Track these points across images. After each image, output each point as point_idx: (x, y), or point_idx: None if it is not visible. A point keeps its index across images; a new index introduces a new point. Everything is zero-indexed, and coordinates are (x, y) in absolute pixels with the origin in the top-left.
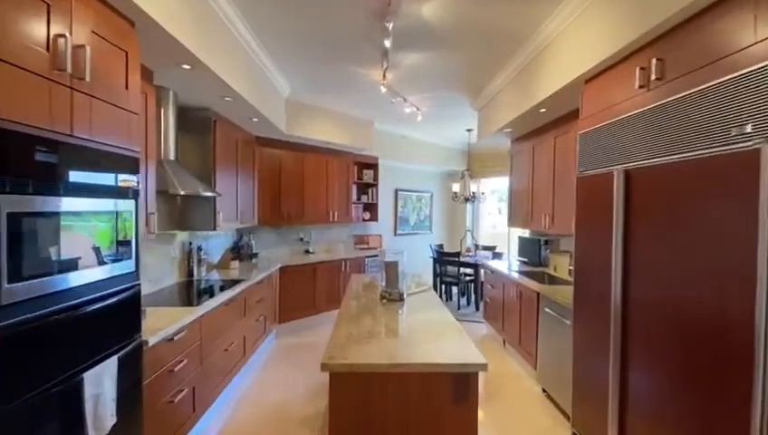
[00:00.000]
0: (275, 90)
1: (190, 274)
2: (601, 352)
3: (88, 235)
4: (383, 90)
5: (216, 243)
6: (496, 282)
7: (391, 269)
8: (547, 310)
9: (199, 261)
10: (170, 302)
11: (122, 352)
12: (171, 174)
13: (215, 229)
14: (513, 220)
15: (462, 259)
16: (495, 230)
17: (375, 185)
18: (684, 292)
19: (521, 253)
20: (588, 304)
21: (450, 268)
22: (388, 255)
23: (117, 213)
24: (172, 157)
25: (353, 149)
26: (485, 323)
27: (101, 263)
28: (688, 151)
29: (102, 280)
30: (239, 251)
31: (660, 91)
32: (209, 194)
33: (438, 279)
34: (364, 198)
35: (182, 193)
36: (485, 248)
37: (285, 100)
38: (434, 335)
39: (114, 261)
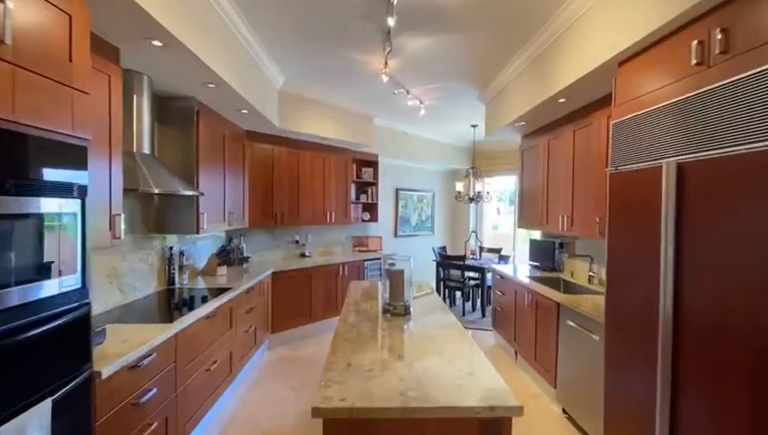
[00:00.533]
0: (267, 79)
1: (171, 281)
2: (645, 370)
3: (9, 244)
4: (385, 79)
5: (202, 246)
6: (507, 288)
7: (396, 279)
8: (569, 323)
9: (181, 267)
10: (142, 316)
11: (60, 392)
12: (145, 170)
13: (197, 232)
14: (523, 221)
15: (467, 263)
16: (497, 231)
17: (375, 184)
18: (759, 302)
19: (532, 256)
20: (625, 314)
21: (454, 272)
22: (392, 262)
23: (56, 215)
24: (147, 150)
25: (352, 145)
26: (494, 332)
27: (30, 280)
28: (765, 140)
29: (31, 302)
30: (228, 255)
31: (725, 68)
32: (190, 193)
33: (442, 284)
34: (363, 198)
35: (156, 191)
36: (490, 251)
37: (278, 91)
38: (450, 362)
39: (50, 277)
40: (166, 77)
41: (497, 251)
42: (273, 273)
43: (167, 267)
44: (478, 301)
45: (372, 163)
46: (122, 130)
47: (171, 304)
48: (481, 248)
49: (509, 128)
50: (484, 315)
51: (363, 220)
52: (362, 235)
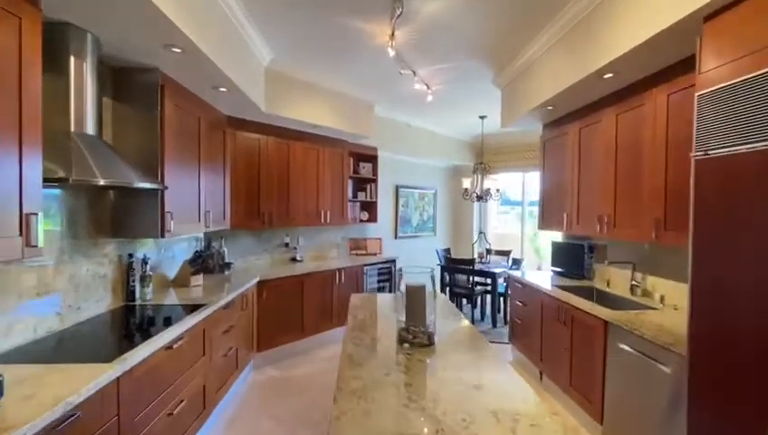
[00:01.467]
0: (251, 54)
1: (131, 297)
2: (759, 424)
3: None
4: (391, 53)
5: (178, 251)
6: (530, 299)
7: (416, 297)
8: (623, 347)
9: (143, 278)
10: (77, 350)
11: None
12: (87, 155)
13: (162, 235)
14: (545, 222)
15: (477, 267)
16: (497, 232)
17: (374, 180)
18: None
19: (555, 261)
20: (725, 345)
21: (460, 277)
22: (408, 275)
23: None
24: (91, 131)
25: (349, 136)
26: (510, 346)
27: None
28: None
29: None
30: (204, 262)
31: None
32: (148, 186)
33: (447, 290)
34: (361, 196)
35: (102, 183)
36: (499, 253)
37: (265, 69)
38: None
39: None
40: (116, 35)
41: (506, 253)
42: (260, 281)
43: (125, 279)
44: (487, 309)
45: (371, 157)
46: (45, 101)
47: (123, 329)
48: (488, 251)
49: (529, 116)
50: (495, 325)
51: (361, 220)
52: (360, 236)
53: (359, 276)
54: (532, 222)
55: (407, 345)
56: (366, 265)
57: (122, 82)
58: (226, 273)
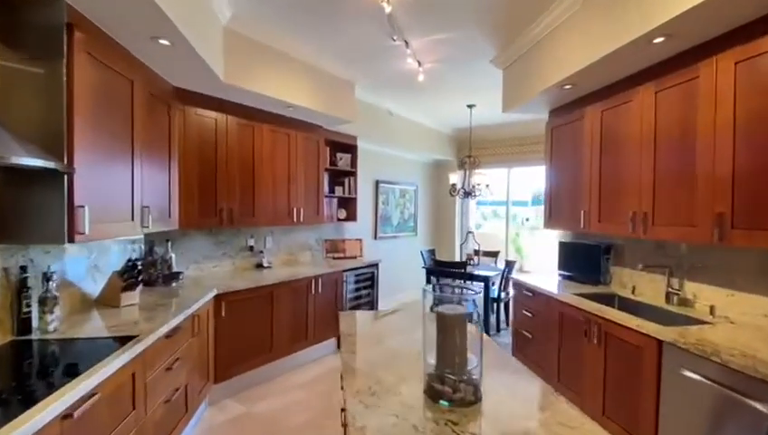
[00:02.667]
0: (206, 4)
1: (24, 327)
2: None
3: None
4: (387, 8)
5: (115, 254)
6: (542, 309)
7: (453, 332)
8: (689, 374)
9: (44, 301)
10: None
11: None
12: None
13: (71, 240)
14: (553, 220)
15: (469, 270)
16: (481, 231)
17: (353, 173)
18: None
19: (564, 264)
20: None
21: (450, 282)
22: (441, 298)
23: None
24: None
25: (327, 121)
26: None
27: None
28: None
29: None
30: (140, 273)
31: None
32: (40, 164)
33: None
34: (339, 191)
35: None
36: (486, 254)
37: (225, 29)
38: None
39: None
40: None
41: (494, 254)
42: (218, 295)
43: (16, 302)
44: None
45: (350, 147)
46: None
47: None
48: (477, 252)
49: (539, 99)
50: (488, 333)
51: (339, 219)
52: (337, 237)
53: (338, 284)
54: (516, 221)
55: (444, 404)
56: (346, 270)
57: (14, 22)
58: (174, 285)
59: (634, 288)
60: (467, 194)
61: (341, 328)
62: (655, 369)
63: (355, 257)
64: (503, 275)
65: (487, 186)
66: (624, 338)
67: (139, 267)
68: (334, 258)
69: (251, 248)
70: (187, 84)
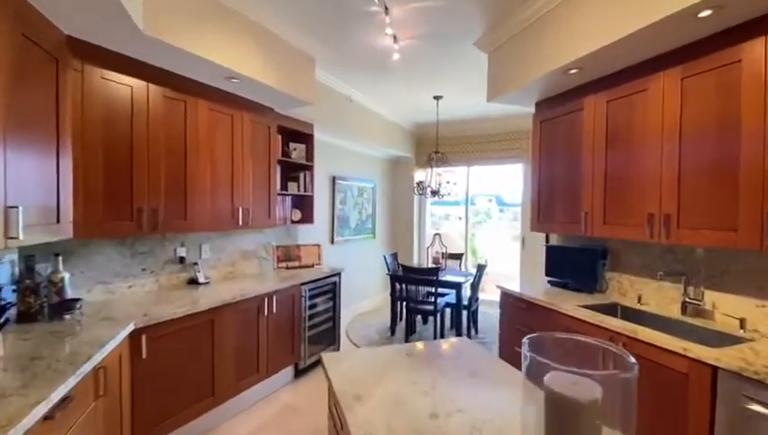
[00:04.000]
0: None
1: None
2: None
3: None
4: None
5: None
6: (540, 324)
7: (574, 426)
8: (759, 409)
9: None
10: None
11: None
12: None
13: None
14: (542, 222)
15: (442, 277)
16: (437, 232)
17: (309, 167)
18: None
19: (553, 270)
20: None
21: (419, 290)
22: (561, 376)
23: None
24: None
25: (280, 101)
26: None
27: None
28: None
29: None
30: (7, 308)
31: None
32: None
33: (400, 306)
34: (293, 188)
35: None
36: (451, 257)
37: None
38: None
39: None
40: None
41: (458, 257)
42: (135, 331)
43: None
44: (444, 324)
45: (305, 137)
46: None
47: None
48: (444, 255)
49: (533, 86)
50: None
51: (293, 221)
52: (291, 243)
53: (295, 301)
54: (474, 221)
55: None
56: (304, 283)
57: None
58: (68, 318)
59: (640, 297)
60: (434, 193)
61: (336, 393)
62: (707, 401)
63: (312, 266)
64: (474, 281)
65: (455, 184)
66: (662, 363)
67: (6, 300)
68: (288, 268)
69: (181, 260)
70: (87, 33)
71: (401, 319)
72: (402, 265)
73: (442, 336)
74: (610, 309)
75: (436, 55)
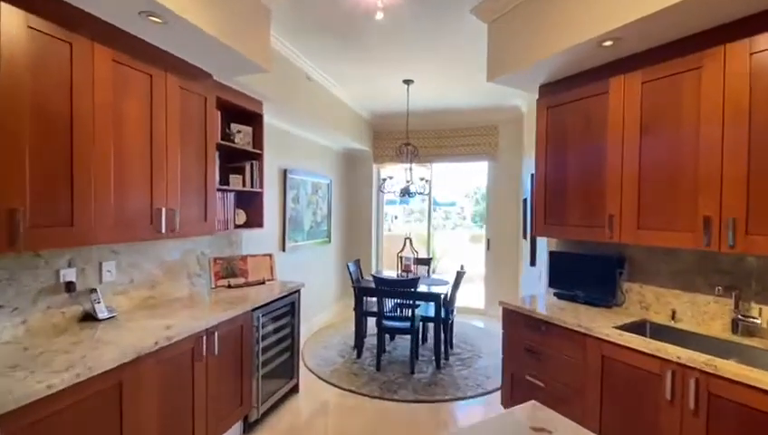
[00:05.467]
0: None
1: None
2: None
3: None
4: None
5: None
6: (561, 349)
7: None
8: None
9: None
10: None
11: None
12: None
13: None
14: (549, 226)
15: (419, 288)
16: (390, 233)
17: (258, 156)
18: None
19: (559, 280)
20: None
21: (392, 304)
22: None
23: None
24: None
25: (224, 60)
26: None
27: None
28: None
29: None
30: None
31: None
32: None
33: (365, 322)
34: (236, 182)
35: None
36: (418, 262)
37: None
38: None
39: None
40: None
41: (427, 262)
42: None
43: None
44: (422, 342)
45: (253, 117)
46: None
47: None
48: (418, 261)
49: (542, 65)
50: (438, 365)
51: (237, 225)
52: (234, 253)
53: (245, 333)
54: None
55: None
56: (256, 307)
57: None
58: None
59: (674, 313)
60: (405, 192)
61: None
62: None
63: (263, 282)
64: (451, 290)
65: (427, 181)
66: (753, 405)
67: None
68: (230, 287)
69: (69, 287)
70: None
71: (365, 335)
72: (374, 276)
73: (416, 357)
74: (638, 328)
75: (417, 26)
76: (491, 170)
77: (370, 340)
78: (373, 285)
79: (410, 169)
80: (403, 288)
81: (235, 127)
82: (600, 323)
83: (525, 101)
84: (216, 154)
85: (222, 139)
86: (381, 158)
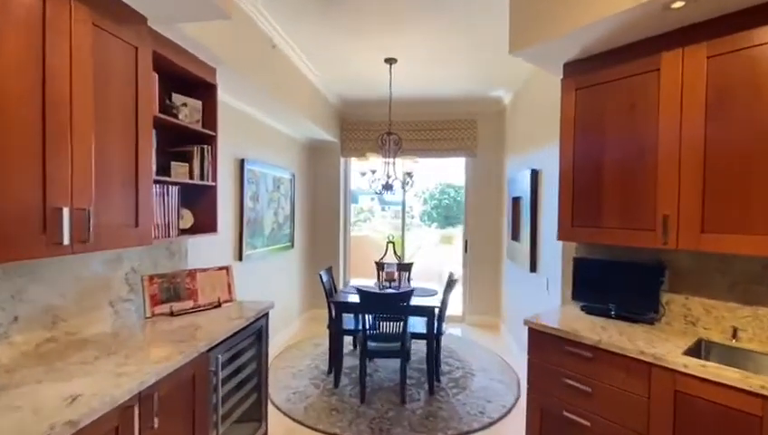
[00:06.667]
0: None
1: None
2: None
3: None
4: None
5: None
6: (614, 382)
7: None
8: None
9: None
10: None
11: None
12: None
13: None
14: (579, 228)
15: (412, 302)
16: (354, 234)
17: (210, 140)
18: None
19: (584, 290)
20: None
21: (382, 323)
22: None
23: None
24: None
25: (163, 2)
26: None
27: None
28: None
29: None
30: None
31: None
32: None
33: (340, 341)
34: (180, 172)
35: None
36: (400, 268)
37: None
38: None
39: None
40: None
41: (407, 268)
42: None
43: None
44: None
45: (204, 87)
46: None
47: None
48: (402, 267)
49: (580, 33)
50: (432, 390)
51: (182, 231)
52: (176, 267)
53: (198, 384)
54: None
55: None
56: (213, 346)
57: None
58: None
59: (735, 330)
60: (387, 187)
61: None
62: None
63: (219, 305)
64: (443, 301)
65: (411, 175)
66: None
67: None
68: (173, 314)
69: None
70: None
71: (340, 356)
72: (359, 290)
73: (403, 386)
74: (693, 349)
75: None
76: (469, 168)
77: (346, 360)
78: (352, 299)
79: (393, 163)
80: (396, 303)
81: (179, 99)
82: (664, 348)
83: (509, 92)
84: (154, 133)
85: (162, 111)
86: (350, 151)
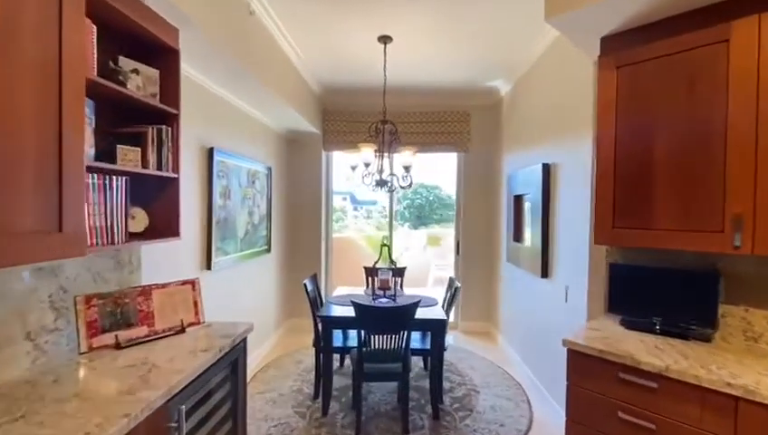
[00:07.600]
0: None
1: None
2: None
3: None
4: None
5: None
6: (689, 419)
7: None
8: None
9: None
10: None
11: None
12: None
13: None
14: (620, 230)
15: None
16: (334, 236)
17: (171, 118)
18: None
19: (623, 302)
20: None
21: (377, 340)
22: None
23: None
24: None
25: None
26: None
27: None
28: None
29: None
30: None
31: None
32: None
33: (326, 360)
34: (129, 158)
35: None
36: (396, 274)
37: None
38: None
39: None
40: None
41: (400, 273)
42: None
43: None
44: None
45: (163, 52)
46: None
47: None
48: (397, 272)
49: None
50: (437, 415)
51: (131, 235)
52: (122, 283)
53: None
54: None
55: None
56: (175, 395)
57: None
58: None
59: None
60: (382, 183)
61: None
62: None
63: (182, 330)
64: (446, 311)
65: (409, 170)
66: None
67: None
68: (119, 347)
69: None
70: None
71: (329, 377)
72: (355, 304)
73: (406, 413)
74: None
75: None
76: (461, 165)
77: (334, 380)
78: (340, 312)
79: (389, 155)
80: (401, 319)
81: (128, 63)
82: (750, 377)
83: (508, 82)
84: (92, 105)
85: (102, 75)
86: (333, 144)
